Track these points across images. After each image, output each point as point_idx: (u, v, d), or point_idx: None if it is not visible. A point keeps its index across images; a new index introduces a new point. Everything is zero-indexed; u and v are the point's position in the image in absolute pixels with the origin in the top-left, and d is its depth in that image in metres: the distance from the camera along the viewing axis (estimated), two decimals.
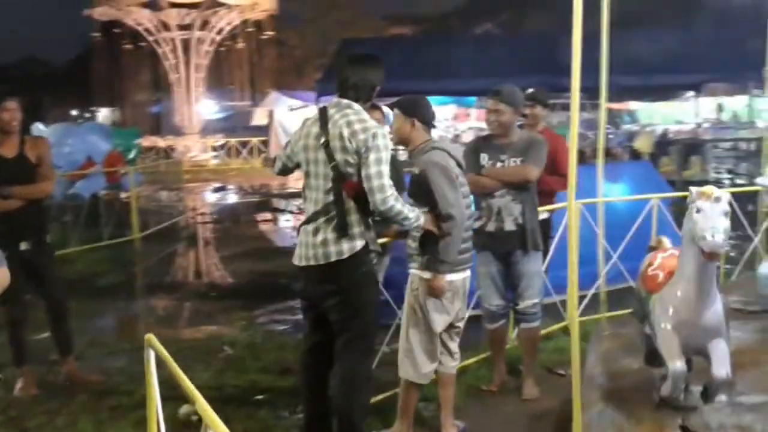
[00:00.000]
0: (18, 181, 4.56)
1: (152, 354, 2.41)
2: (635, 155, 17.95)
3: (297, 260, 3.47)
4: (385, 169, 3.29)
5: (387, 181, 3.27)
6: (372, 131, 3.30)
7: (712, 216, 2.75)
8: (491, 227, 4.30)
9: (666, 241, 3.64)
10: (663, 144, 18.66)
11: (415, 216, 3.42)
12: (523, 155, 4.28)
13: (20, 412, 4.42)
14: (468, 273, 3.84)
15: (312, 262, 3.39)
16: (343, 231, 3.33)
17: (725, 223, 2.76)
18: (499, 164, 4.32)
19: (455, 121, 23.24)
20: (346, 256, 3.33)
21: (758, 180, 3.77)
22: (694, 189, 2.88)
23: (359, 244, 3.35)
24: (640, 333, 3.51)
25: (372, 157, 3.27)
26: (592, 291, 6.03)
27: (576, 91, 2.99)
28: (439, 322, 3.75)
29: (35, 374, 4.82)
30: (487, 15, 35.08)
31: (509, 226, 4.27)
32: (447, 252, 3.62)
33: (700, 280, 2.89)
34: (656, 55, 11.51)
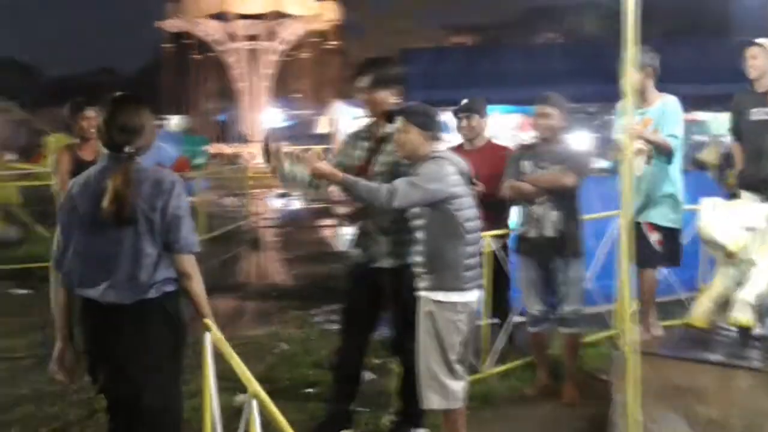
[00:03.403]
0: None
1: (208, 337, 2.69)
2: (700, 167, 17.52)
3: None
4: None
5: None
6: None
7: None
8: (532, 234, 4.45)
9: None
10: (730, 156, 18.15)
11: None
12: (563, 163, 4.41)
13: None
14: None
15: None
16: None
17: None
18: (540, 171, 4.45)
19: (520, 130, 23.02)
20: None
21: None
22: None
23: None
24: None
25: None
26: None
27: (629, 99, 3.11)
28: (456, 343, 3.45)
29: None
30: (547, 23, 34.84)
31: (549, 232, 4.40)
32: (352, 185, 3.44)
33: None
34: (714, 63, 11.31)
